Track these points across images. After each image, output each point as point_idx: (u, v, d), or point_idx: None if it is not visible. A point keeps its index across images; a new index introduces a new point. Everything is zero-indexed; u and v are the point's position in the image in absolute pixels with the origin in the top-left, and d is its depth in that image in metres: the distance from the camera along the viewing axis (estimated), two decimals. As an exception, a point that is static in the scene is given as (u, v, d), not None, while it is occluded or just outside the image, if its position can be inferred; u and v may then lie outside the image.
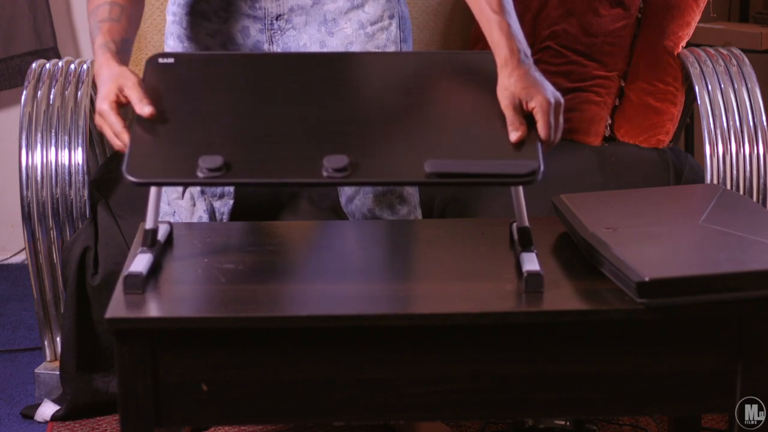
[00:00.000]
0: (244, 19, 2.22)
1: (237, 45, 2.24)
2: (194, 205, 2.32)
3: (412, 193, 2.33)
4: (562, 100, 1.88)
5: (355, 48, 2.23)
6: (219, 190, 2.33)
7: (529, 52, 1.93)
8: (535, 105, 1.85)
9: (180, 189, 2.31)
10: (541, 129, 1.84)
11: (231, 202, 2.34)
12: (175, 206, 2.32)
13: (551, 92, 1.87)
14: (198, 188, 2.31)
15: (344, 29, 2.24)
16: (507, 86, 1.87)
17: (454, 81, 1.96)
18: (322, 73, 1.96)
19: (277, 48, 2.24)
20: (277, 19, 2.21)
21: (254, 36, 2.23)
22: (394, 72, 2.00)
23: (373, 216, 2.28)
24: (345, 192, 2.32)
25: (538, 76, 1.89)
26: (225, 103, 1.90)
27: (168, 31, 2.30)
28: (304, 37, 2.23)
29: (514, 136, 1.82)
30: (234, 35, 2.23)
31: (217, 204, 2.33)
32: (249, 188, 2.53)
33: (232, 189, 2.34)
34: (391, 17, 2.27)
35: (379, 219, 2.27)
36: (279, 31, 2.22)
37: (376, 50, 2.24)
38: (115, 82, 1.91)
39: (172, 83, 1.92)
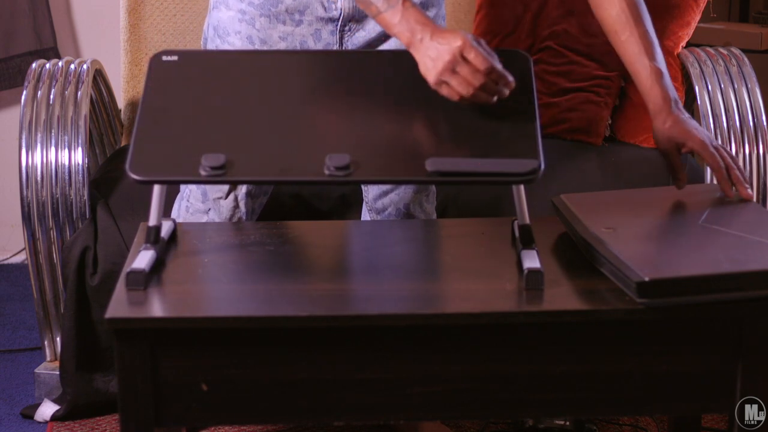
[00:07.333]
0: (318, 21, 2.22)
1: (307, 48, 2.22)
2: (236, 206, 2.30)
3: (434, 191, 2.39)
4: (716, 143, 1.98)
5: None
6: (262, 189, 2.32)
7: (678, 98, 2.03)
8: (692, 145, 1.96)
9: (224, 188, 2.28)
10: (709, 161, 1.95)
11: (265, 198, 2.34)
12: (212, 205, 2.30)
13: (705, 134, 1.98)
14: (244, 190, 2.30)
15: None
16: (664, 131, 2.00)
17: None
18: (325, 71, 1.96)
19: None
20: (350, 21, 2.22)
21: (325, 38, 2.22)
22: (396, 70, 2.00)
23: (407, 212, 2.31)
24: (376, 187, 2.34)
25: (692, 122, 2.00)
26: (228, 101, 1.90)
27: (228, 27, 2.23)
28: (372, 37, 2.24)
29: (680, 184, 1.98)
30: (306, 38, 2.22)
31: (256, 205, 2.32)
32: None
33: (269, 187, 2.34)
34: (443, 18, 2.29)
35: (411, 215, 2.32)
36: (349, 32, 2.23)
37: None
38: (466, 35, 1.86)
39: (176, 81, 1.92)
